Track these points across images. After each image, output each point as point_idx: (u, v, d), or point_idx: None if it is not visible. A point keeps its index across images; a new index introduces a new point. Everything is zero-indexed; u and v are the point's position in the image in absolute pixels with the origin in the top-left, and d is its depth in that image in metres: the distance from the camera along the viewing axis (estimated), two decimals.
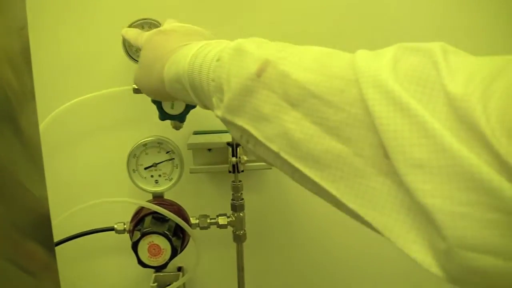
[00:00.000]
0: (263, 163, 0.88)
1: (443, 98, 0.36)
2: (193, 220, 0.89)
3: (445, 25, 0.95)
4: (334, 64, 0.43)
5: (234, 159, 0.87)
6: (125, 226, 0.88)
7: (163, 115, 0.80)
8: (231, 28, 0.93)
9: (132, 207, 0.89)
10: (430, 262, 0.37)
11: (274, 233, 1.03)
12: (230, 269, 0.95)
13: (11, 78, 0.46)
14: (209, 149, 0.91)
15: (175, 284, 0.89)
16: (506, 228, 0.32)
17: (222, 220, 0.90)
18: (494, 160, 0.32)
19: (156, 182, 0.87)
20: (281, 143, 0.45)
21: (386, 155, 0.38)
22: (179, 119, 0.81)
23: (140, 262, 0.82)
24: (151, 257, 0.82)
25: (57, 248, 0.57)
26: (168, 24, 0.71)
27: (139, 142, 0.85)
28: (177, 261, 0.88)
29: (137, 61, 0.83)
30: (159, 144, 0.86)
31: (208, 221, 0.90)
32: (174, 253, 0.82)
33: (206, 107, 0.59)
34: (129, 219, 0.88)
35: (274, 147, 0.46)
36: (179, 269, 0.99)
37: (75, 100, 0.88)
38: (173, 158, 0.86)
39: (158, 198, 0.89)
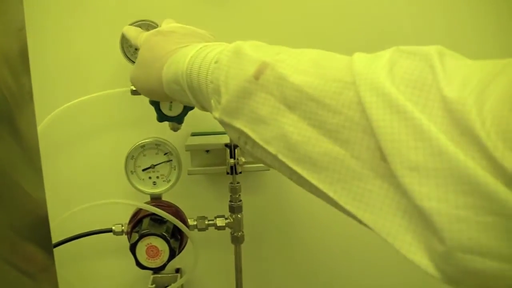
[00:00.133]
0: (261, 165, 0.88)
1: (439, 102, 0.36)
2: (191, 222, 0.89)
3: (444, 26, 0.95)
4: (331, 67, 0.43)
5: (232, 160, 0.87)
6: (123, 227, 0.88)
7: (161, 117, 0.80)
8: (230, 28, 0.93)
9: (130, 208, 0.89)
10: (427, 263, 0.37)
11: (272, 235, 1.03)
12: (228, 271, 0.95)
13: (9, 80, 0.46)
14: (207, 151, 0.91)
15: (173, 285, 0.89)
16: (502, 231, 0.33)
17: (220, 222, 0.90)
18: (489, 164, 0.32)
19: (154, 184, 0.87)
20: (278, 145, 0.46)
21: (383, 158, 0.38)
22: (177, 121, 0.81)
23: (138, 264, 0.82)
24: (149, 259, 0.81)
25: (55, 250, 0.57)
26: (167, 24, 0.72)
27: (137, 144, 0.85)
28: (175, 262, 0.88)
29: (134, 62, 0.83)
30: (157, 145, 0.86)
31: (206, 222, 0.90)
32: (172, 255, 0.82)
33: (204, 108, 0.59)
34: (127, 220, 0.88)
35: (271, 149, 0.46)
36: (177, 270, 0.98)
37: (73, 101, 0.88)
38: (171, 160, 0.86)
39: (156, 199, 0.89)
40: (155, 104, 0.79)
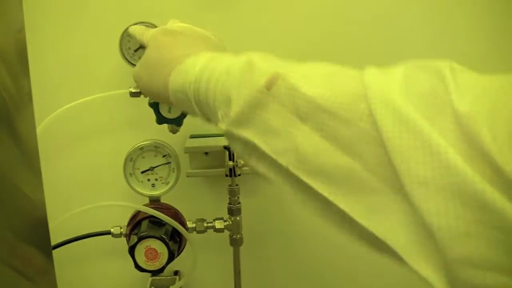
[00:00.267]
0: None
1: (451, 116, 0.36)
2: (189, 224, 0.89)
3: (442, 26, 0.96)
4: (343, 80, 0.44)
5: (231, 162, 0.87)
6: (121, 230, 0.88)
7: (160, 119, 0.80)
8: (230, 30, 0.93)
9: (129, 210, 0.89)
10: (434, 277, 0.37)
11: (270, 237, 1.03)
12: (226, 273, 0.94)
13: (7, 82, 0.46)
14: (206, 153, 0.91)
15: None
16: (510, 246, 0.32)
17: (219, 224, 0.90)
18: (499, 179, 0.32)
19: (153, 186, 0.87)
20: (289, 157, 0.45)
21: (395, 171, 0.38)
22: (176, 123, 0.80)
23: (137, 266, 0.82)
24: (148, 261, 0.81)
25: (54, 252, 0.57)
26: (174, 24, 0.71)
27: (136, 146, 0.85)
28: (174, 265, 0.88)
29: (134, 64, 0.83)
30: (155, 147, 0.86)
31: (205, 225, 0.90)
32: (171, 257, 0.82)
33: (208, 119, 0.58)
34: (126, 223, 0.88)
35: (282, 161, 0.46)
36: (176, 273, 0.98)
37: (72, 103, 0.88)
38: (170, 162, 0.86)
39: (154, 202, 0.89)
40: (154, 106, 0.79)
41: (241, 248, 0.91)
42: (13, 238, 0.47)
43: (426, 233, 0.37)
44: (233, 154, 0.87)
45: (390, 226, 0.39)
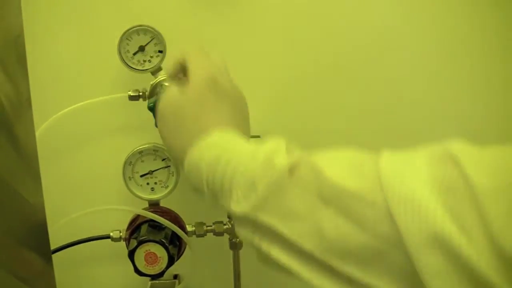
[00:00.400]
0: None
1: (470, 202, 0.37)
2: (189, 228, 0.89)
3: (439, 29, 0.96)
4: (362, 166, 0.45)
5: None
6: (121, 234, 0.88)
7: None
8: (229, 33, 0.93)
9: (128, 214, 0.89)
10: None
11: None
12: (226, 277, 0.94)
13: (6, 86, 0.46)
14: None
15: None
16: None
17: (218, 228, 0.90)
18: None
19: (152, 190, 0.87)
20: (314, 241, 0.45)
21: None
22: None
23: (137, 271, 0.82)
24: (147, 266, 0.81)
25: (53, 256, 0.56)
26: (222, 75, 0.66)
27: (135, 150, 0.85)
28: (173, 269, 0.87)
29: (132, 68, 0.83)
30: (155, 151, 0.86)
31: (205, 228, 0.89)
32: (171, 261, 0.82)
33: (215, 200, 0.56)
34: (125, 227, 0.88)
35: (307, 245, 0.46)
36: (175, 276, 0.98)
37: (71, 107, 0.87)
38: (169, 166, 0.86)
39: (154, 205, 0.88)
40: (153, 109, 0.79)
41: (241, 251, 0.91)
42: (12, 242, 0.47)
43: None
44: None
45: None
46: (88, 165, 0.97)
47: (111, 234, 0.88)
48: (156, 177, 0.87)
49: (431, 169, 0.40)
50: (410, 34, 0.96)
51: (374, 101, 0.98)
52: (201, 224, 0.90)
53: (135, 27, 0.82)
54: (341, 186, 0.44)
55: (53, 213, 0.65)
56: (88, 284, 1.02)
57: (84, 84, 0.93)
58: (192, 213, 0.93)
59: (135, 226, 0.85)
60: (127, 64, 0.84)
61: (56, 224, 0.85)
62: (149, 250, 0.81)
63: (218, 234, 0.90)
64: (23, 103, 0.49)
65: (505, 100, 0.99)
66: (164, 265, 0.82)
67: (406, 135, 0.99)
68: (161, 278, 0.89)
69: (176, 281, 0.97)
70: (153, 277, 0.84)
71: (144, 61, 0.83)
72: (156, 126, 0.79)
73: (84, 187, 0.97)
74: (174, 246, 0.84)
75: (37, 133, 0.83)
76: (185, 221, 0.89)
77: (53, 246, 0.85)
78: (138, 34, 0.83)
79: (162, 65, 0.83)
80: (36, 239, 0.52)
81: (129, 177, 0.86)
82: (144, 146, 0.85)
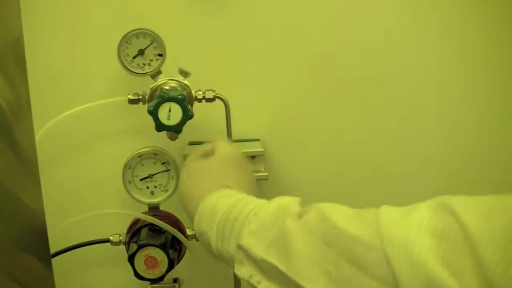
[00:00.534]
0: (260, 174, 0.88)
1: (466, 251, 0.38)
2: (189, 231, 0.89)
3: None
4: (364, 216, 0.48)
5: None
6: (120, 237, 0.87)
7: (159, 126, 0.79)
8: (228, 38, 0.94)
9: (128, 218, 0.89)
10: None
11: None
12: (226, 281, 0.94)
13: (6, 90, 0.46)
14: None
15: None
16: None
17: None
18: None
19: (152, 194, 0.87)
20: (317, 281, 0.48)
21: None
22: (175, 130, 0.80)
23: (137, 275, 0.81)
24: (147, 270, 0.81)
25: (53, 260, 0.56)
26: (241, 156, 0.77)
27: (135, 153, 0.85)
28: (173, 272, 0.87)
29: (132, 71, 0.83)
30: (154, 155, 0.85)
31: None
32: (171, 265, 0.81)
33: (220, 241, 0.60)
34: (125, 230, 0.88)
35: (307, 284, 0.48)
36: (175, 280, 0.98)
37: (71, 111, 0.87)
38: (169, 169, 0.86)
39: (154, 209, 0.88)
40: (154, 113, 0.79)
41: None
42: (12, 246, 0.47)
43: None
44: None
45: None
46: (88, 169, 0.96)
47: (110, 238, 0.88)
48: (156, 181, 0.86)
49: (426, 217, 0.42)
50: (415, 35, 0.96)
51: (375, 100, 0.98)
52: None
53: (135, 30, 0.82)
54: (345, 230, 0.47)
55: (53, 217, 0.65)
56: None
57: (83, 87, 0.93)
58: None
59: (135, 230, 0.85)
60: (127, 68, 0.83)
61: (55, 228, 0.85)
62: (149, 254, 0.80)
63: None
64: (23, 106, 0.49)
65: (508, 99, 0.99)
66: (164, 269, 0.81)
67: (405, 134, 0.99)
68: (161, 282, 0.89)
69: (176, 284, 0.96)
70: (153, 281, 0.84)
71: (144, 64, 0.83)
72: (156, 130, 0.79)
73: (84, 190, 0.97)
74: (174, 250, 0.84)
75: (36, 137, 0.83)
76: (185, 225, 0.89)
77: (52, 250, 0.85)
78: (138, 38, 0.82)
79: (162, 68, 0.83)
80: (35, 243, 0.52)
81: (129, 180, 0.86)
82: (143, 150, 0.85)
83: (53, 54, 0.92)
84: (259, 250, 0.53)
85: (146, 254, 0.80)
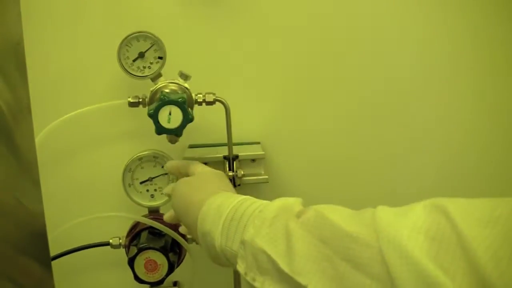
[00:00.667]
0: (260, 177, 0.88)
1: (456, 250, 0.39)
2: (189, 235, 0.88)
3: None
4: (360, 216, 0.49)
5: (230, 173, 0.86)
6: (120, 241, 0.87)
7: (160, 129, 0.79)
8: (230, 39, 0.94)
9: (128, 221, 0.89)
10: None
11: None
12: (226, 284, 0.94)
13: (6, 94, 0.46)
14: (205, 163, 0.91)
15: None
16: None
17: None
18: None
19: (152, 197, 0.87)
20: (311, 278, 0.48)
21: None
22: (175, 133, 0.80)
23: (137, 278, 0.81)
24: (147, 273, 0.81)
25: (53, 263, 0.56)
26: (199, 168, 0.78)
27: (135, 156, 0.85)
28: (173, 275, 0.87)
29: (132, 74, 0.83)
30: (154, 158, 0.85)
31: None
32: (171, 269, 0.81)
33: (225, 239, 0.60)
34: (125, 233, 0.88)
35: (302, 280, 0.49)
36: (175, 283, 0.98)
37: (71, 114, 0.87)
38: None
39: (154, 212, 0.88)
40: (154, 116, 0.79)
41: None
42: (11, 249, 0.47)
43: None
44: (233, 164, 0.87)
45: None
46: (88, 172, 0.96)
47: (110, 241, 0.88)
48: (156, 184, 0.86)
49: (421, 218, 0.43)
50: (415, 36, 0.97)
51: (375, 103, 0.98)
52: None
53: (135, 33, 0.82)
54: (341, 228, 0.48)
55: (53, 220, 0.65)
56: None
57: (83, 90, 0.93)
58: None
59: (135, 233, 0.84)
60: (127, 71, 0.83)
61: (55, 231, 0.85)
62: (149, 257, 0.80)
63: None
64: (23, 110, 0.49)
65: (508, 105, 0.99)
66: (164, 273, 0.81)
67: (405, 136, 1.00)
68: (161, 285, 0.88)
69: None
70: (153, 284, 0.84)
71: (144, 67, 0.83)
72: (157, 133, 0.79)
73: (84, 193, 0.97)
74: (174, 253, 0.84)
75: (36, 140, 0.82)
76: None
77: (52, 253, 0.85)
78: (138, 41, 0.82)
79: (162, 71, 0.83)
80: (35, 246, 0.52)
81: (129, 184, 0.86)
82: (143, 153, 0.85)
83: (53, 57, 0.92)
84: (260, 241, 0.53)
85: (146, 257, 0.80)
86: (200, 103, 0.84)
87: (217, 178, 0.75)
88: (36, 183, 0.51)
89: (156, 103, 0.77)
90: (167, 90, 0.81)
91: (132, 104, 0.84)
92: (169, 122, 0.78)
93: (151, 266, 0.80)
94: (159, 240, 0.83)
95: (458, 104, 0.99)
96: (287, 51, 0.95)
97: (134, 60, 0.83)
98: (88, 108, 0.88)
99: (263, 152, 0.90)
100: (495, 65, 0.98)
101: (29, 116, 0.50)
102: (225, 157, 0.88)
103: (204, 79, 0.87)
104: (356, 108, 0.98)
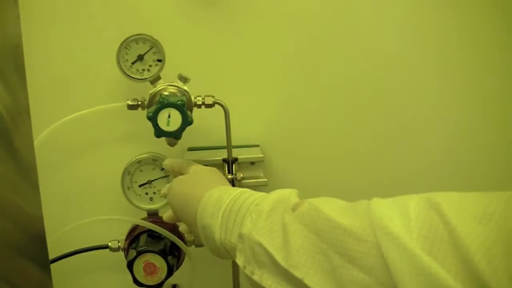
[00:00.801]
0: (259, 180, 0.88)
1: (452, 251, 0.39)
2: (188, 238, 0.88)
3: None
4: (355, 209, 0.49)
5: (230, 175, 0.86)
6: (119, 244, 0.87)
7: (159, 132, 0.79)
8: (229, 42, 0.94)
9: (127, 224, 0.89)
10: None
11: None
12: (225, 287, 0.94)
13: (4, 96, 0.46)
14: (205, 166, 0.91)
15: None
16: None
17: None
18: None
19: (151, 200, 0.87)
20: (306, 272, 0.48)
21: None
22: (175, 136, 0.80)
23: (136, 281, 0.81)
24: (146, 276, 0.81)
25: (52, 266, 0.56)
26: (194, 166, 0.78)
27: (134, 159, 0.85)
28: (172, 278, 0.87)
29: (131, 77, 0.83)
30: (153, 161, 0.85)
31: None
32: (170, 272, 0.81)
33: (224, 232, 0.60)
34: (124, 236, 0.88)
35: (297, 274, 0.49)
36: (174, 286, 0.97)
37: (69, 116, 0.87)
38: (168, 175, 0.86)
39: (153, 215, 0.88)
40: (153, 119, 0.79)
41: None
42: (10, 252, 0.47)
43: None
44: (232, 167, 0.87)
45: None
46: (87, 175, 0.96)
47: (109, 244, 0.88)
48: (155, 187, 0.86)
49: (414, 212, 0.43)
50: (414, 36, 0.97)
51: (374, 106, 0.98)
52: None
53: (134, 36, 0.82)
54: (335, 222, 0.48)
55: (52, 223, 0.65)
56: None
57: (82, 93, 0.93)
58: None
59: (134, 236, 0.84)
60: (126, 73, 0.83)
61: (54, 234, 0.85)
62: (148, 260, 0.80)
63: None
64: (22, 112, 0.49)
65: (504, 103, 1.00)
66: (163, 276, 0.81)
67: (405, 138, 1.00)
68: None
69: None
70: (152, 287, 0.83)
71: (143, 70, 0.83)
72: (156, 136, 0.79)
73: (83, 196, 0.97)
74: (173, 256, 0.84)
75: (35, 143, 0.82)
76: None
77: (51, 256, 0.84)
78: (137, 43, 0.82)
79: (161, 74, 0.83)
80: (34, 249, 0.52)
81: (128, 186, 0.86)
82: (142, 156, 0.85)
83: (52, 60, 0.92)
84: (257, 235, 0.54)
85: (145, 261, 0.80)
86: (199, 106, 0.84)
87: (212, 174, 0.75)
88: (35, 186, 0.51)
89: (155, 106, 0.77)
90: (166, 93, 0.81)
91: (131, 107, 0.84)
92: (168, 125, 0.78)
93: (150, 269, 0.80)
94: (158, 243, 0.82)
95: (456, 103, 0.99)
96: (286, 54, 0.95)
97: (133, 63, 0.83)
98: (87, 110, 0.88)
99: (262, 155, 0.90)
100: (493, 64, 0.98)
101: (28, 119, 0.50)
102: (224, 160, 0.88)
103: (203, 82, 0.87)
104: (356, 111, 0.98)
